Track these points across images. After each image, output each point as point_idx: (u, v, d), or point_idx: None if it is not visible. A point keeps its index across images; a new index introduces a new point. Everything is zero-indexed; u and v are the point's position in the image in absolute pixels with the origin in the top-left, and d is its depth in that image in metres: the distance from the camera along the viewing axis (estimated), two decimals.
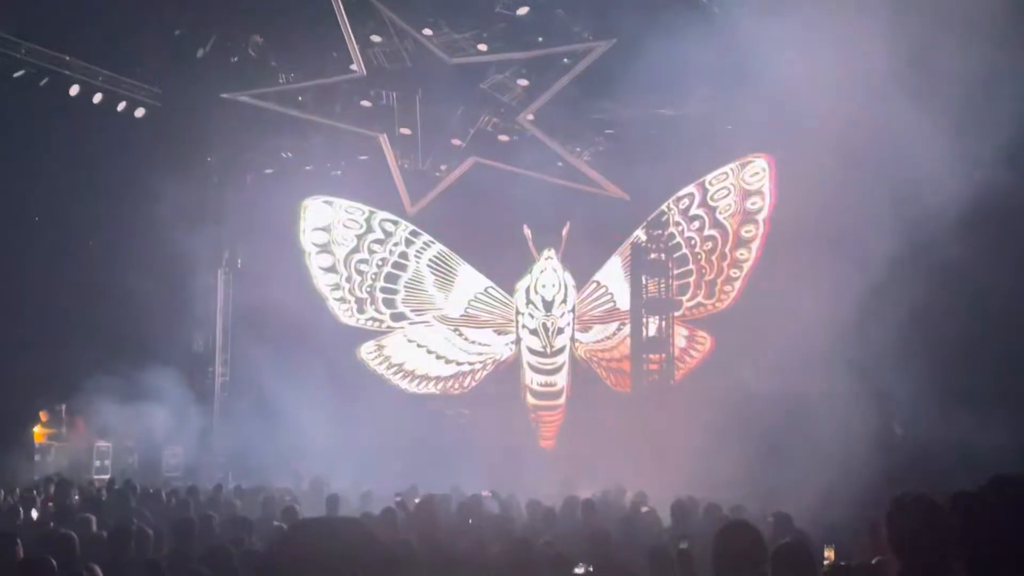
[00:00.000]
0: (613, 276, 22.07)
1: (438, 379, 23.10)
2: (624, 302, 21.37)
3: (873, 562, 5.47)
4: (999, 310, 13.31)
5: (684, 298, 20.83)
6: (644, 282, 19.75)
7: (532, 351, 22.67)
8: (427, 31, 20.29)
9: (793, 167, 18.59)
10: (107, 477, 17.93)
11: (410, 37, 20.53)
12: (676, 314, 20.14)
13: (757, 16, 13.99)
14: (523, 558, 6.25)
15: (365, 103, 21.90)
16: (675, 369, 20.04)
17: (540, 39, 20.22)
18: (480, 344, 23.02)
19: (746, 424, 14.51)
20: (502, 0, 19.13)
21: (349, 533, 1.85)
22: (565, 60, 20.28)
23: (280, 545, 1.90)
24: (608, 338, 22.21)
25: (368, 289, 23.23)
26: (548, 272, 22.54)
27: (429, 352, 23.13)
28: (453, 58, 20.44)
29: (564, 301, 22.54)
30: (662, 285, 19.68)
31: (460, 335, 23.08)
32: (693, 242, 21.15)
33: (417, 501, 11.52)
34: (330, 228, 23.47)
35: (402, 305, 23.19)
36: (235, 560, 6.84)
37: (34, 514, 11.70)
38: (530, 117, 21.27)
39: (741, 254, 20.75)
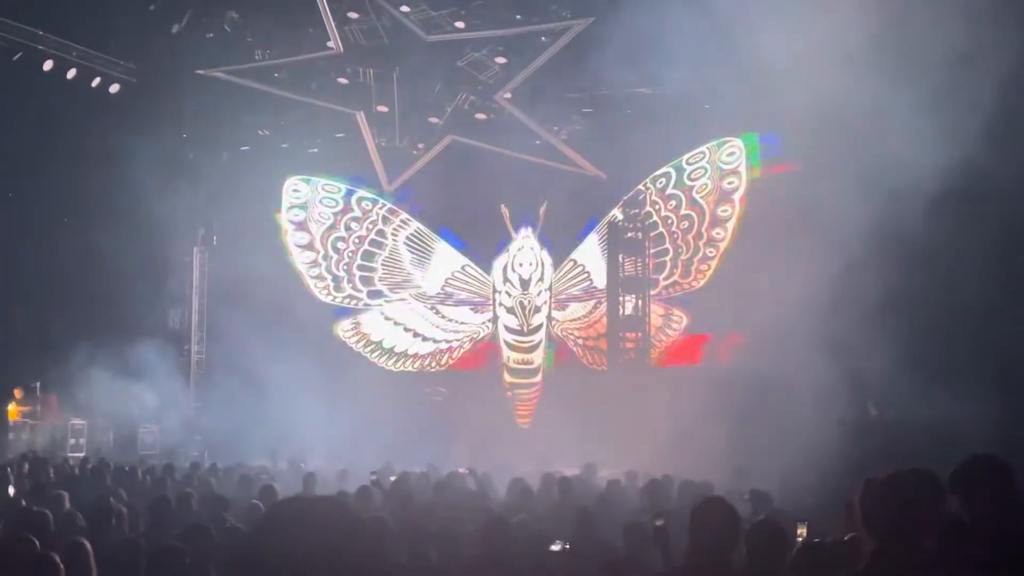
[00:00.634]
0: (590, 254, 22.10)
1: (415, 357, 23.11)
2: (601, 280, 21.41)
3: (846, 539, 5.53)
4: (974, 289, 13.40)
5: (660, 277, 20.88)
6: (621, 261, 19.77)
7: (509, 329, 22.69)
8: (404, 8, 20.21)
9: (770, 146, 18.68)
10: (82, 455, 17.87)
11: (387, 14, 20.44)
12: (652, 293, 20.20)
13: None
14: (500, 535, 6.28)
15: (342, 80, 21.79)
16: (651, 347, 20.10)
17: (518, 17, 20.18)
18: (457, 322, 23.03)
19: (720, 403, 14.59)
20: None
21: (329, 512, 1.85)
22: (543, 38, 20.24)
23: (260, 525, 1.89)
24: (585, 316, 22.26)
25: (345, 267, 23.18)
26: (525, 250, 22.54)
27: (406, 330, 23.12)
28: (430, 35, 20.36)
29: (541, 279, 22.56)
30: (638, 264, 19.71)
31: (437, 313, 23.08)
32: (669, 221, 21.18)
33: (392, 479, 11.55)
34: (307, 206, 23.40)
35: (379, 283, 23.16)
36: (214, 538, 6.84)
37: (11, 491, 11.65)
38: (507, 95, 21.23)
39: (717, 233, 20.80)
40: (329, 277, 23.19)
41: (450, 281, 22.97)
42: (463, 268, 22.88)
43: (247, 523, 7.83)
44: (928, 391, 12.36)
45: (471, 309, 22.96)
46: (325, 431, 17.20)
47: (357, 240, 23.15)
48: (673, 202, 21.18)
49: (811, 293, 13.70)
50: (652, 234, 20.42)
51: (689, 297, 20.91)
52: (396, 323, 23.14)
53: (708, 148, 20.88)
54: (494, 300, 22.77)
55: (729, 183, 20.72)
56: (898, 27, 12.85)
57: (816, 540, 5.73)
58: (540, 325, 22.56)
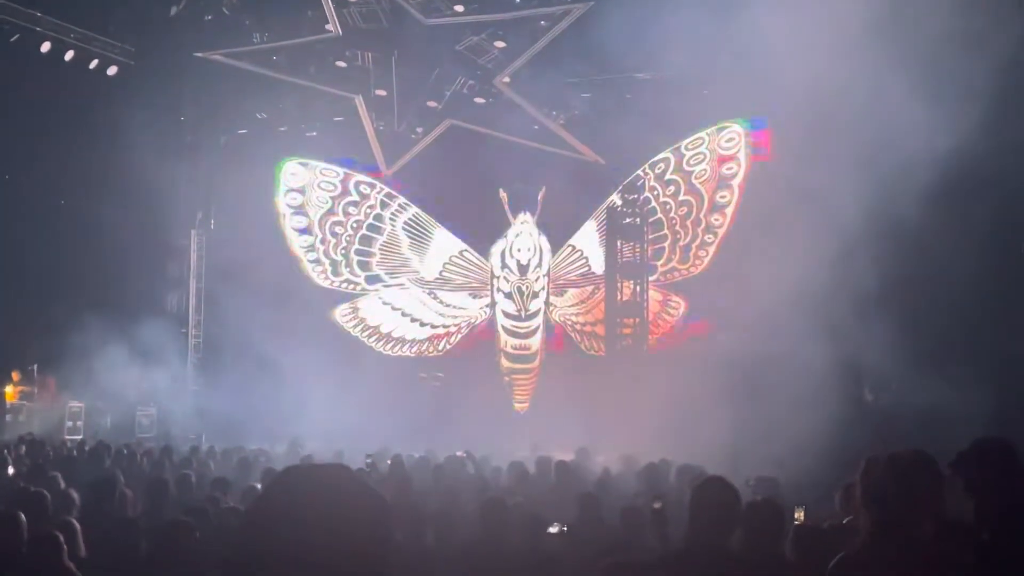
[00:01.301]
0: (588, 240, 22.10)
1: (413, 342, 23.12)
2: (599, 266, 21.42)
3: (844, 522, 5.56)
4: (970, 276, 13.40)
5: (658, 262, 20.89)
6: (619, 246, 19.76)
7: (506, 314, 22.70)
8: None
9: (769, 132, 18.66)
10: (79, 438, 17.88)
11: None
12: (650, 278, 20.21)
13: None
14: (497, 518, 6.30)
15: (340, 64, 21.74)
16: (648, 333, 20.12)
17: (517, 1, 20.11)
18: (455, 307, 23.04)
19: (717, 388, 14.60)
20: None
21: (340, 478, 1.86)
22: (542, 22, 20.18)
23: (268, 487, 1.91)
24: (582, 302, 22.28)
25: (343, 251, 23.17)
26: (524, 236, 22.54)
27: (404, 315, 23.13)
28: (429, 19, 20.30)
29: (539, 265, 22.56)
30: (637, 249, 19.70)
31: (435, 298, 23.08)
32: (668, 207, 21.18)
33: (389, 462, 11.59)
34: (305, 190, 23.37)
35: (377, 267, 23.16)
36: (212, 519, 6.86)
37: (10, 470, 11.70)
38: (506, 80, 21.18)
39: (715, 219, 20.81)
40: (327, 261, 23.18)
41: (448, 266, 22.98)
42: (461, 253, 22.88)
43: (245, 505, 7.84)
44: (924, 377, 12.38)
45: (469, 294, 22.97)
46: (322, 414, 17.20)
47: (355, 224, 23.14)
48: (672, 188, 21.18)
49: (809, 279, 13.70)
50: (651, 220, 20.41)
51: (687, 283, 20.93)
52: (394, 308, 23.15)
53: (707, 134, 20.87)
54: (492, 285, 22.78)
55: (728, 169, 20.72)
56: (897, 11, 12.83)
57: (814, 524, 5.76)
58: (538, 310, 22.58)
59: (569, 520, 6.91)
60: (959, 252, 13.27)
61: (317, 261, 23.21)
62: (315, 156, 23.36)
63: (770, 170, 18.71)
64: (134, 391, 20.16)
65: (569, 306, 22.47)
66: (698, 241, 20.95)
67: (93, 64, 20.69)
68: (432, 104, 22.10)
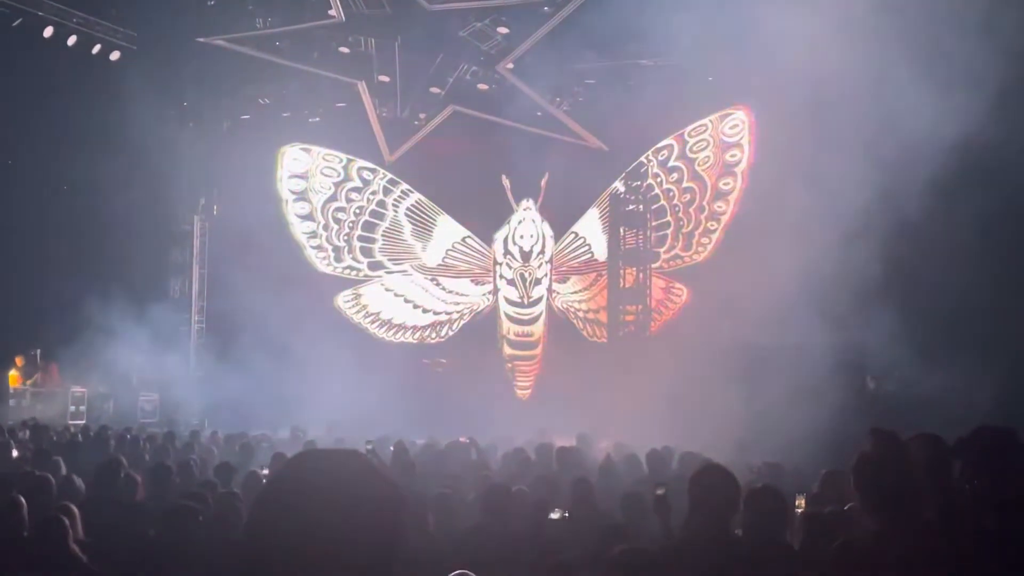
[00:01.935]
0: (591, 227, 22.07)
1: (415, 328, 23.12)
2: (601, 253, 21.40)
3: (845, 508, 5.55)
4: (974, 264, 13.38)
5: (661, 250, 20.87)
6: (622, 233, 19.74)
7: (509, 301, 22.70)
8: None
9: (772, 119, 18.58)
10: (82, 423, 17.91)
11: None
12: (653, 266, 20.18)
13: None
14: (499, 504, 6.31)
15: (343, 49, 21.67)
16: (651, 320, 20.11)
17: None
18: (457, 294, 23.03)
19: (720, 376, 14.60)
20: None
21: (351, 464, 1.86)
22: (545, 9, 20.10)
23: (281, 472, 1.91)
24: (585, 289, 22.27)
25: (345, 238, 23.15)
26: (526, 223, 22.52)
27: (407, 301, 23.12)
28: (433, 4, 20.22)
29: (542, 252, 22.55)
30: (640, 237, 19.68)
31: (437, 285, 23.07)
32: (671, 194, 21.16)
33: (392, 448, 11.60)
34: (307, 176, 23.34)
35: (379, 254, 23.14)
36: (211, 504, 6.86)
37: (14, 453, 11.73)
38: (510, 66, 21.12)
39: (719, 207, 20.78)
40: (329, 248, 23.17)
41: (451, 253, 22.96)
42: (464, 240, 22.86)
43: (247, 490, 7.85)
44: (928, 366, 12.38)
45: (471, 281, 22.96)
46: (325, 401, 17.22)
47: (357, 211, 23.11)
48: (675, 175, 21.15)
49: (812, 266, 13.68)
50: (654, 207, 20.38)
51: (690, 270, 20.90)
52: (396, 294, 23.14)
53: (711, 121, 20.83)
54: (495, 272, 22.77)
55: (732, 156, 20.68)
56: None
57: (814, 511, 5.76)
58: (540, 297, 22.57)
59: (569, 506, 6.93)
60: (963, 241, 13.25)
61: (319, 247, 23.19)
62: (318, 142, 23.31)
63: (774, 157, 18.65)
64: (137, 376, 20.19)
65: (572, 293, 22.46)
66: (701, 228, 20.92)
67: (96, 49, 20.63)
68: (435, 90, 22.05)
